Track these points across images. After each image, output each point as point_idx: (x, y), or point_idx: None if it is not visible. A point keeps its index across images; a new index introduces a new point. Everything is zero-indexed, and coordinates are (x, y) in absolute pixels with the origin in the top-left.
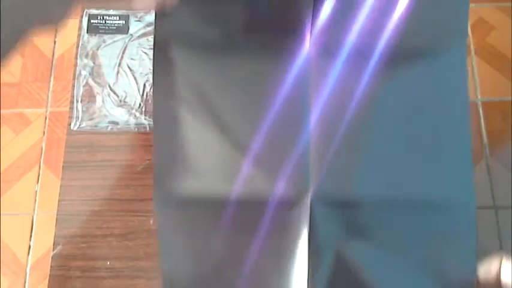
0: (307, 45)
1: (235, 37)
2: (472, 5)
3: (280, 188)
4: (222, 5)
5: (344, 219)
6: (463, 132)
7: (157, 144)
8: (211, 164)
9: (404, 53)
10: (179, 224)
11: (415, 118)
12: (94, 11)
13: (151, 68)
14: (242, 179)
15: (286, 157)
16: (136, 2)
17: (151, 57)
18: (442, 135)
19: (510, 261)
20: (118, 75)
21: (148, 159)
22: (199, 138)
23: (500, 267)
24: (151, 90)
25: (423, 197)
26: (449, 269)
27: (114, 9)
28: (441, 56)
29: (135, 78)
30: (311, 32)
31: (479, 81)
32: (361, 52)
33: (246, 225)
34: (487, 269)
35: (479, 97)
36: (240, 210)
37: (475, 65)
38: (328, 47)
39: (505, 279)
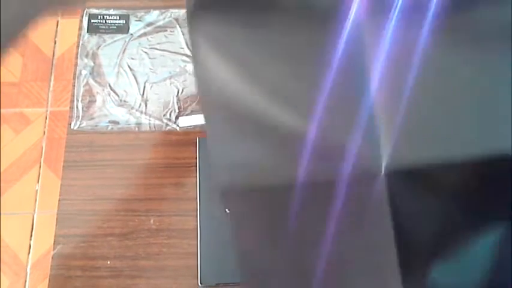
0: (354, 6)
1: (276, 8)
2: None
3: (350, 161)
4: None
5: (427, 184)
6: None
7: (210, 133)
8: (268, 146)
9: None
10: (247, 210)
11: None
12: (94, 11)
13: (152, 67)
14: (306, 156)
15: (352, 127)
16: None
17: (152, 56)
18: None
19: None
20: (118, 75)
21: (148, 159)
22: (252, 120)
23: None
24: (152, 88)
25: (500, 150)
26: None
27: (114, 8)
28: None
29: (135, 78)
30: None
31: None
32: (416, 5)
33: (318, 206)
34: None
35: None
36: (310, 191)
37: None
38: (377, 5)
39: None
